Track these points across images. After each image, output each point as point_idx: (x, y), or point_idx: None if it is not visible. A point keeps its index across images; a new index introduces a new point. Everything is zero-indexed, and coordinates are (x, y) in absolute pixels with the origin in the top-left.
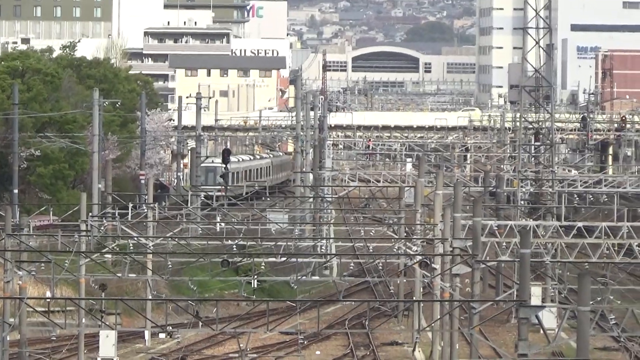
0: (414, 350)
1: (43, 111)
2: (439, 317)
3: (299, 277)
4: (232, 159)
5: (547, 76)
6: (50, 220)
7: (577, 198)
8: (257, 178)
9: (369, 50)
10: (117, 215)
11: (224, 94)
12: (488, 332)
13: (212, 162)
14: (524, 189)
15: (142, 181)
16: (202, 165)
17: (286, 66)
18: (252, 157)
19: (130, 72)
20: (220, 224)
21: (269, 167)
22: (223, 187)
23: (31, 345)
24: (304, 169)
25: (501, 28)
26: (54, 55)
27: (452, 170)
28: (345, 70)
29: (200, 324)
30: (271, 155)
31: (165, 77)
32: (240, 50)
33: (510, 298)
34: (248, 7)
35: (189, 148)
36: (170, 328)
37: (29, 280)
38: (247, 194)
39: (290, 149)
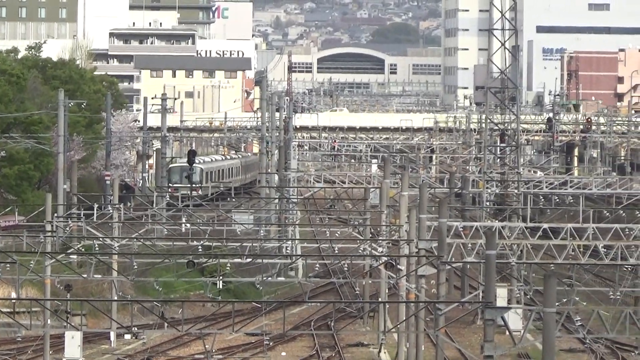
0: (379, 351)
1: (8, 112)
2: (404, 318)
3: (265, 278)
4: (205, 159)
5: (513, 78)
6: (16, 220)
7: (542, 199)
8: (229, 177)
9: (334, 52)
10: (82, 216)
11: (190, 95)
12: (454, 334)
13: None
14: (489, 190)
15: (108, 182)
16: (176, 165)
17: (251, 67)
18: (223, 157)
19: (95, 73)
20: (185, 225)
21: (239, 167)
22: (197, 186)
23: None
24: (269, 170)
25: (467, 29)
26: (19, 55)
27: (418, 172)
28: (310, 72)
29: (166, 325)
30: (240, 156)
31: (130, 78)
32: (206, 51)
33: (475, 299)
34: (213, 8)
35: (155, 149)
36: (136, 329)
37: None
38: (213, 194)
39: (256, 150)
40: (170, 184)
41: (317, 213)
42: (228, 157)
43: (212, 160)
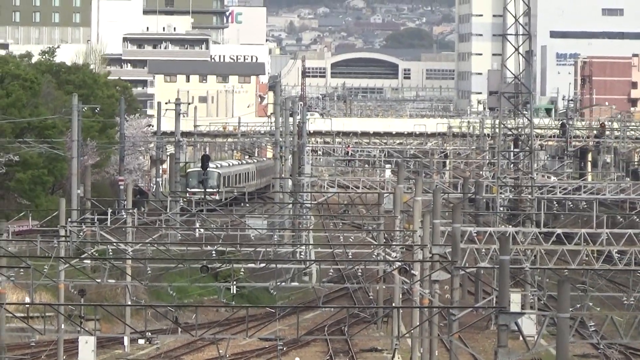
0: (393, 356)
1: (22, 116)
2: (418, 323)
3: (278, 283)
4: (222, 163)
5: (527, 83)
6: (30, 225)
7: (556, 205)
8: (245, 182)
9: (348, 57)
10: (96, 220)
11: (203, 99)
12: (467, 339)
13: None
14: (503, 196)
15: (121, 187)
16: (193, 169)
17: (265, 72)
18: (240, 162)
19: (109, 77)
20: (199, 230)
21: (254, 171)
22: (214, 190)
23: (10, 351)
24: (283, 175)
25: (480, 34)
26: (33, 60)
27: (431, 177)
28: (324, 77)
29: (180, 329)
30: (255, 160)
31: (144, 83)
32: (219, 56)
33: (489, 305)
34: (227, 13)
35: (168, 154)
36: (150, 334)
37: (8, 285)
38: (227, 199)
39: (270, 154)
40: (188, 188)
41: (330, 218)
42: (243, 161)
43: (229, 164)
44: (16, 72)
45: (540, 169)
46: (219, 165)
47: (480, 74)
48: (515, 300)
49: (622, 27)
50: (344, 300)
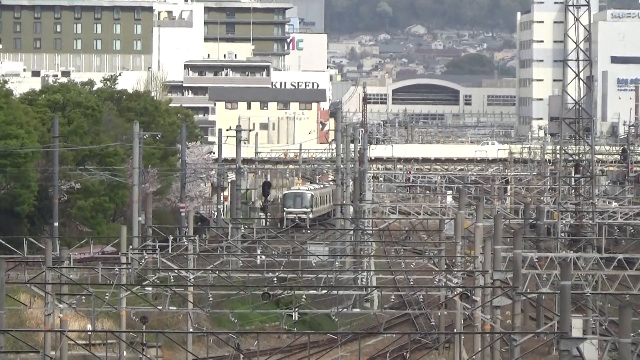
0: None
1: (83, 144)
2: (480, 349)
3: (340, 310)
4: (311, 186)
5: (587, 108)
6: (91, 252)
7: (617, 230)
8: (325, 203)
9: (409, 83)
10: (157, 247)
11: (264, 126)
12: None
13: (299, 188)
14: (564, 221)
15: (183, 214)
16: (290, 191)
17: (326, 99)
18: (323, 185)
19: (170, 105)
20: (260, 257)
21: (331, 194)
22: (308, 210)
23: None
24: (344, 202)
25: (541, 60)
26: (95, 88)
27: (492, 203)
28: (385, 103)
29: (242, 356)
30: (331, 184)
31: (205, 110)
32: (281, 83)
33: (551, 330)
34: (288, 40)
35: (229, 181)
36: None
37: (70, 313)
38: (287, 226)
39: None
40: (285, 209)
41: (392, 244)
42: (322, 185)
43: (315, 187)
44: (78, 99)
45: (601, 194)
46: (310, 188)
47: (541, 99)
48: (576, 326)
49: None
50: (405, 326)
